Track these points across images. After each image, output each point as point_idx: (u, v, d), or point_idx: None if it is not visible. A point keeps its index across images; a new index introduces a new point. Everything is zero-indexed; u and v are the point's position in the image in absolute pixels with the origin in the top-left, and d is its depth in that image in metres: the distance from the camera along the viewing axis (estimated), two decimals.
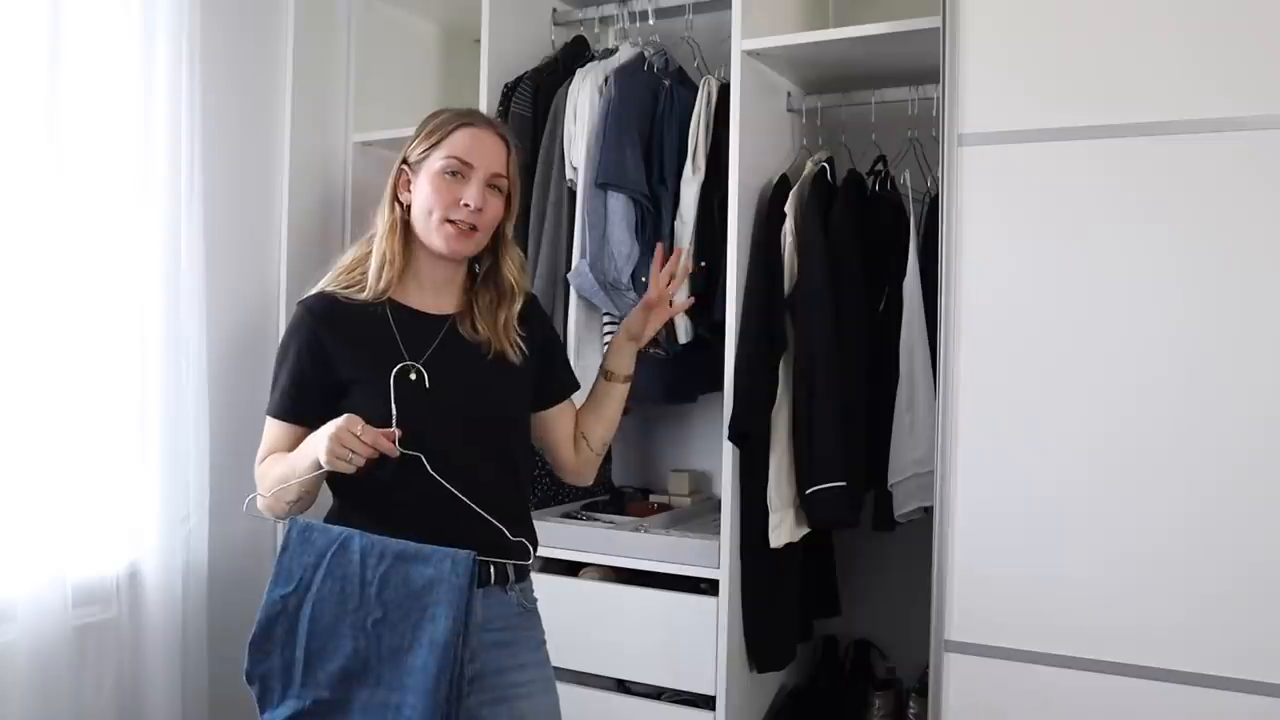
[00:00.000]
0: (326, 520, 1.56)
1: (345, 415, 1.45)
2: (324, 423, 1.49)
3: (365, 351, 1.56)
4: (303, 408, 1.57)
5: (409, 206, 1.62)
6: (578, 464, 1.81)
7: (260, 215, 2.69)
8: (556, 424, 1.77)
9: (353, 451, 1.42)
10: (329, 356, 1.57)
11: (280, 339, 1.65)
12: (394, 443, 1.45)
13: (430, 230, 1.59)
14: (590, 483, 1.90)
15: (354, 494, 1.57)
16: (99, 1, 2.21)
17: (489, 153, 1.60)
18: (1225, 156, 1.73)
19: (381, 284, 1.59)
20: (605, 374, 1.80)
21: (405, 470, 1.48)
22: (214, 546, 2.43)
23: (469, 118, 1.62)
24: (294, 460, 1.52)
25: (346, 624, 1.45)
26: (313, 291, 1.64)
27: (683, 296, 2.03)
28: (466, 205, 1.57)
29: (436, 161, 1.58)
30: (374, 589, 1.45)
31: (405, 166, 1.63)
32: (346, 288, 1.61)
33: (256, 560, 2.67)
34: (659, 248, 1.88)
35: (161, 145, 2.31)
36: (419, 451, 1.48)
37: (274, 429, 1.61)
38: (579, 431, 1.79)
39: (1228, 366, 1.73)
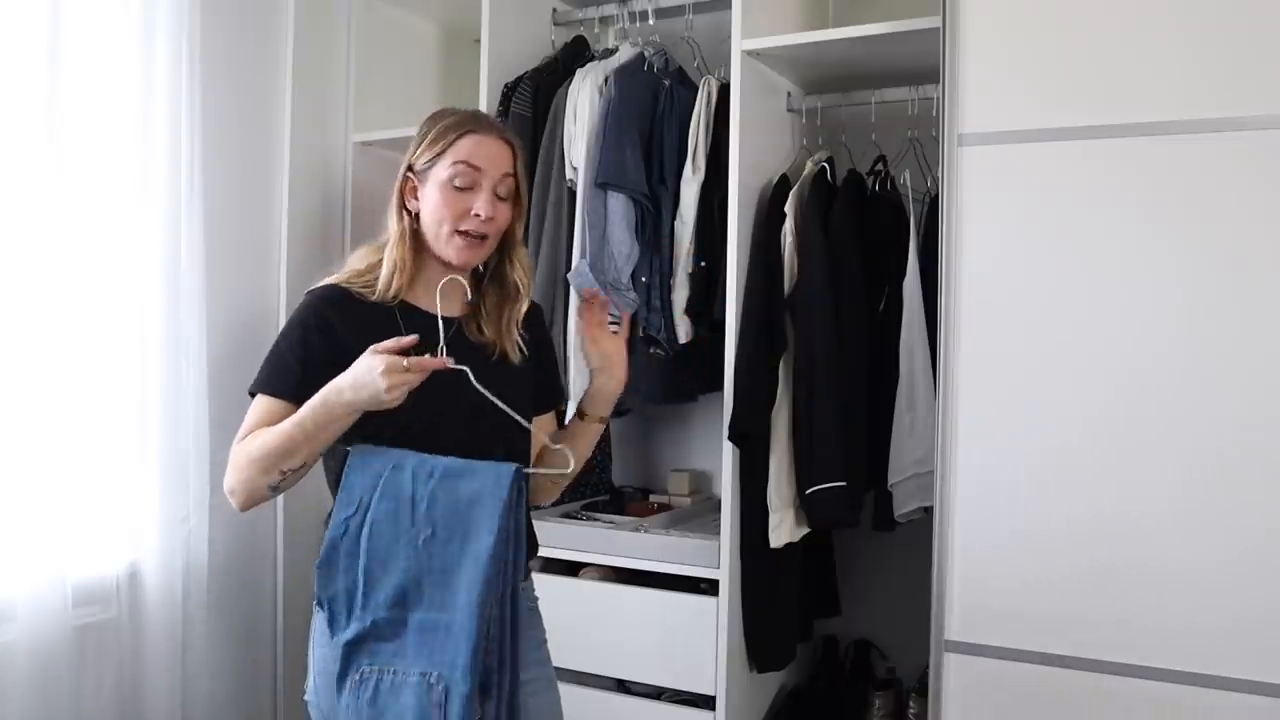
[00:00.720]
0: (333, 514, 1.55)
1: (369, 353, 1.42)
2: None
3: None
4: (309, 388, 1.50)
5: (417, 214, 1.60)
6: (534, 484, 1.76)
7: (260, 215, 2.69)
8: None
9: (406, 384, 1.40)
10: (339, 341, 1.54)
11: (287, 321, 1.60)
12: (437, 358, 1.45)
13: (441, 241, 1.58)
14: (547, 504, 1.85)
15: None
16: (99, 1, 2.21)
17: (495, 159, 1.59)
18: (1225, 156, 1.73)
19: (391, 291, 1.58)
20: (579, 413, 1.76)
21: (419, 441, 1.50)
22: (214, 546, 2.42)
23: (473, 124, 1.60)
24: (309, 420, 1.45)
25: (400, 544, 1.46)
26: (322, 283, 1.62)
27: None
28: (477, 215, 1.57)
29: (443, 171, 1.57)
30: (424, 506, 1.45)
31: (411, 174, 1.61)
32: (360, 288, 1.60)
33: (256, 560, 2.67)
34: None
35: (161, 145, 2.31)
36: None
37: (269, 408, 1.53)
38: (545, 453, 1.75)
39: (1228, 366, 1.73)
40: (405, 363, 1.40)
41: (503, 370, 1.63)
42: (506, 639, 1.44)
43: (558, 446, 1.66)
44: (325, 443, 1.49)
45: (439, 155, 1.58)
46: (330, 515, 1.59)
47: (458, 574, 1.43)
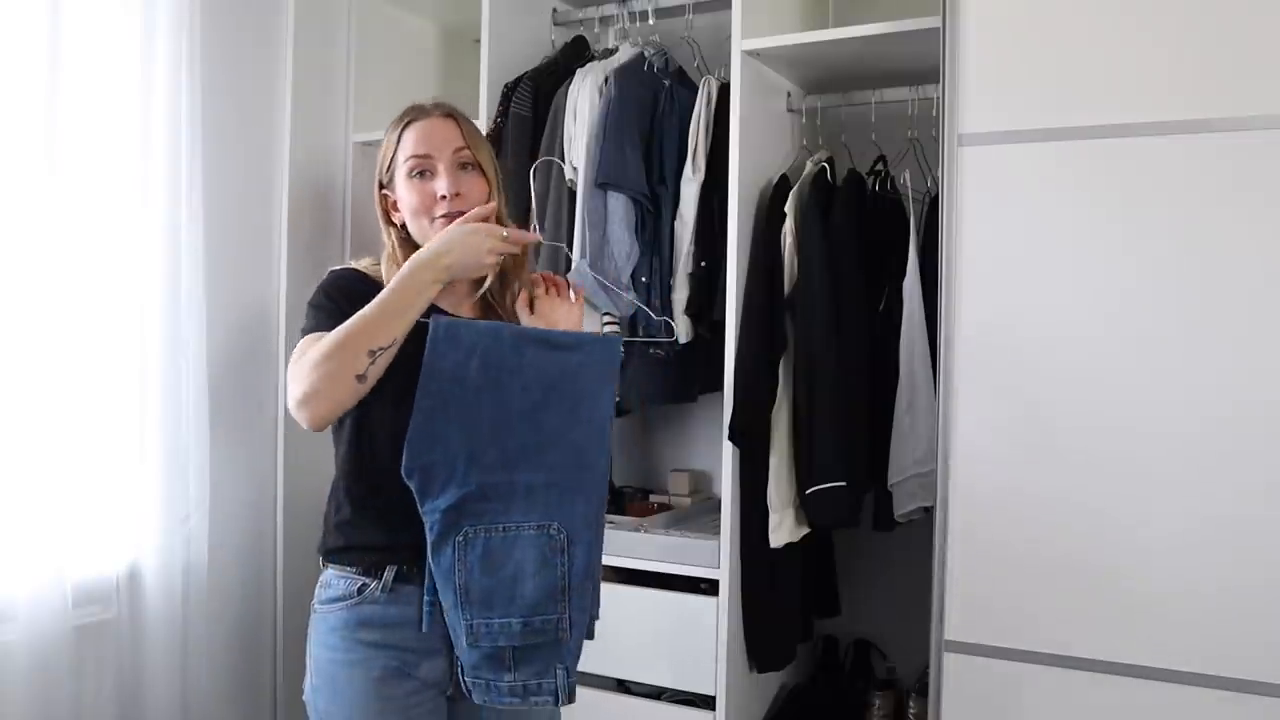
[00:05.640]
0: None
1: (456, 223, 1.51)
2: None
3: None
4: None
5: (403, 224, 1.62)
6: None
7: (260, 215, 2.69)
8: None
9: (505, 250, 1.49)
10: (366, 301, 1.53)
11: (315, 291, 1.58)
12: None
13: (426, 234, 1.59)
14: None
15: (379, 495, 1.54)
16: (99, 1, 2.21)
17: (441, 137, 1.60)
18: (1226, 156, 1.73)
19: None
20: None
21: None
22: (214, 546, 2.42)
23: (410, 114, 1.63)
24: (396, 294, 1.45)
25: (506, 411, 1.49)
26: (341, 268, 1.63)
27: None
28: (443, 197, 1.57)
29: (401, 170, 1.60)
30: (531, 374, 1.50)
31: (384, 191, 1.64)
32: (375, 276, 1.60)
33: (256, 560, 2.67)
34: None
35: (161, 145, 2.31)
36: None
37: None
38: None
39: (1229, 365, 1.73)
40: (505, 232, 1.50)
41: None
42: (602, 495, 1.61)
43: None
44: (411, 320, 1.46)
45: (393, 159, 1.61)
46: (333, 502, 1.58)
47: (568, 438, 1.52)
